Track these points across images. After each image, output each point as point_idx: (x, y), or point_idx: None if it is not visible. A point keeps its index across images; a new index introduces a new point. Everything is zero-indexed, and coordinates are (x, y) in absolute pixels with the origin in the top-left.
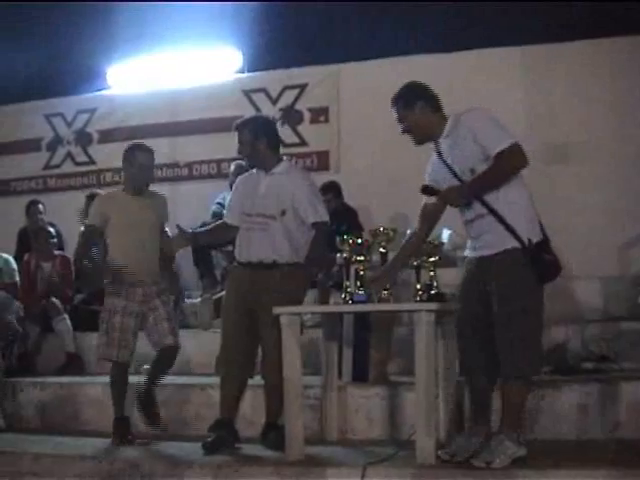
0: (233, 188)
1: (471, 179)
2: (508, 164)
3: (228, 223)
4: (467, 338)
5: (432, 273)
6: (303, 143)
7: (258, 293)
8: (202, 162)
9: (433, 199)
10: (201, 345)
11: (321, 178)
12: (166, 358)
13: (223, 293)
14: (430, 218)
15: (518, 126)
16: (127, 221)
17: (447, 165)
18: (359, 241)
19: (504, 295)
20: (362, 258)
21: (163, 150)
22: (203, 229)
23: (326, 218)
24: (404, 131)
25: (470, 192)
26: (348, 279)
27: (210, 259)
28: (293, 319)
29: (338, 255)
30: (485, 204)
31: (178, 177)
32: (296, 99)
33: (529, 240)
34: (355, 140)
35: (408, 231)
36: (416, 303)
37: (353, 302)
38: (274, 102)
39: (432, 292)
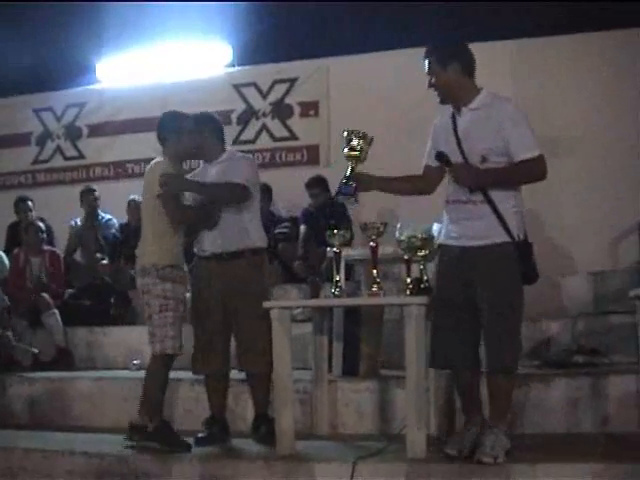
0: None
1: (489, 169)
2: (529, 174)
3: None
4: (448, 330)
5: (422, 267)
6: (293, 137)
7: (230, 285)
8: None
9: (436, 166)
10: (191, 339)
11: (311, 172)
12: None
13: None
14: (428, 182)
15: None
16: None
17: (457, 136)
18: (348, 235)
19: (494, 289)
20: (356, 153)
21: (153, 145)
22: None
23: (242, 181)
24: (430, 86)
25: (483, 181)
26: (338, 273)
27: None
28: (283, 313)
29: (327, 249)
30: (484, 192)
31: None
32: (286, 93)
33: (518, 236)
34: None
35: (398, 225)
36: (406, 297)
37: (338, 194)
38: (264, 96)
39: (422, 286)
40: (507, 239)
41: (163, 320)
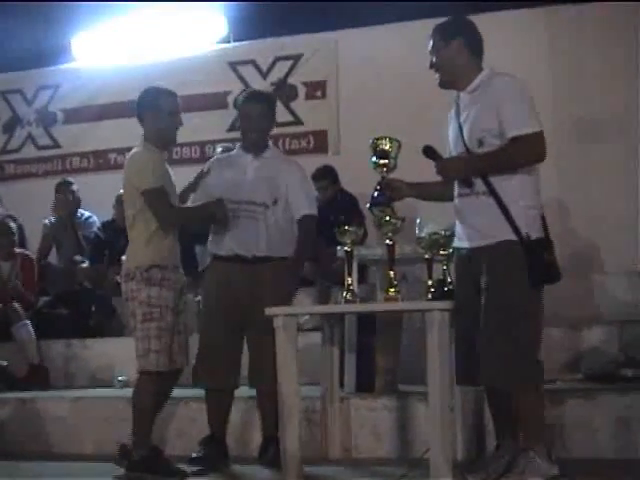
0: (206, 170)
1: (475, 155)
2: (521, 154)
3: None
4: (467, 341)
5: (445, 268)
6: (298, 122)
7: (251, 290)
8: (183, 145)
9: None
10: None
11: (318, 161)
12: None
13: None
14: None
15: (541, 99)
16: (171, 188)
17: (459, 124)
18: (360, 232)
19: (494, 294)
20: (386, 161)
21: (137, 132)
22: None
23: (315, 212)
24: (431, 66)
25: (469, 170)
26: (350, 275)
27: (193, 254)
28: (289, 321)
29: (338, 248)
30: (486, 181)
31: None
32: (289, 72)
33: (527, 235)
34: (356, 118)
35: (417, 220)
36: (428, 301)
37: (372, 205)
38: (264, 76)
39: (445, 289)
40: (513, 237)
41: (146, 332)
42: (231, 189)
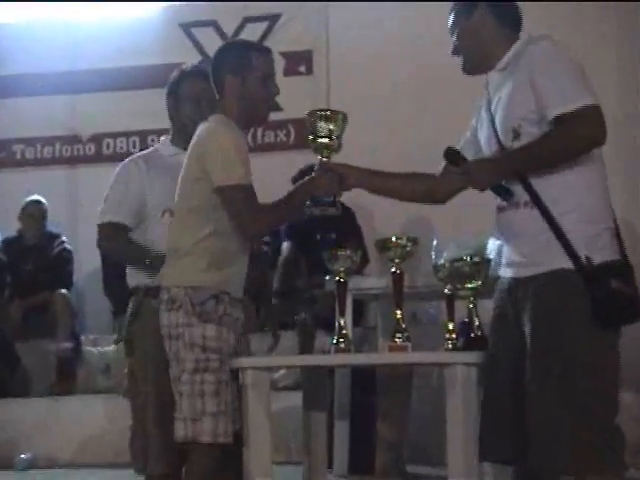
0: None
1: (508, 151)
2: (570, 136)
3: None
4: (500, 407)
5: (472, 306)
6: (274, 107)
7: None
8: (117, 135)
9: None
10: (115, 420)
11: (301, 160)
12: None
13: None
14: (445, 184)
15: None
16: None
17: (491, 115)
18: (357, 257)
19: (542, 340)
20: (326, 140)
21: (58, 116)
22: None
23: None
24: (455, 52)
25: (502, 172)
26: (342, 314)
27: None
28: (259, 377)
29: (327, 278)
30: (526, 186)
31: (80, 157)
32: (262, 38)
33: (587, 259)
34: (352, 103)
35: (434, 242)
36: (448, 352)
37: (310, 205)
38: None
39: (472, 335)
40: (568, 265)
41: (199, 386)
42: (167, 202)
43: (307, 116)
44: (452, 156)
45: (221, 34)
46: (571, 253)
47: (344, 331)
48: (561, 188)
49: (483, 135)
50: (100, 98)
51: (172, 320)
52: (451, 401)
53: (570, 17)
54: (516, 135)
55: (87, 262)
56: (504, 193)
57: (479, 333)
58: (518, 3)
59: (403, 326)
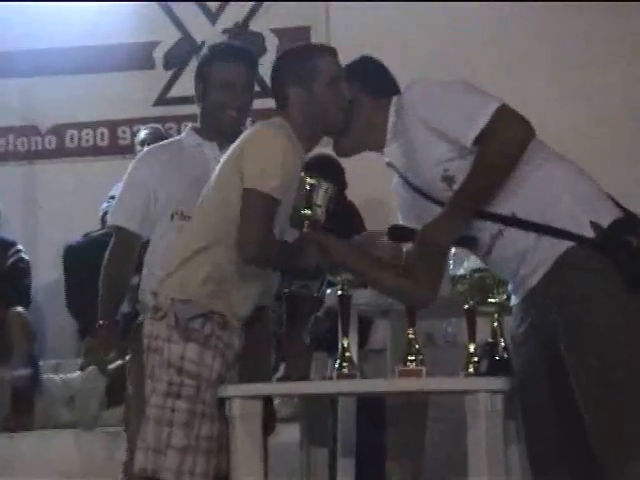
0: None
1: (450, 199)
2: (501, 142)
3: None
4: (538, 434)
5: (496, 324)
6: (266, 92)
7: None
8: (82, 125)
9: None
10: (80, 459)
11: None
12: None
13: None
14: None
15: None
16: (288, 204)
17: (413, 186)
18: None
19: (577, 337)
20: (308, 212)
21: (12, 103)
22: None
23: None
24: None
25: (459, 219)
26: (346, 334)
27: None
28: (248, 406)
29: (328, 292)
30: (490, 216)
31: (39, 152)
32: (252, 13)
33: (593, 224)
34: None
35: (452, 251)
36: (469, 378)
37: (293, 277)
38: (213, 18)
39: (497, 358)
40: (568, 244)
41: (168, 413)
42: (192, 201)
43: (305, 178)
44: (396, 234)
45: (204, 9)
46: (574, 229)
47: (348, 353)
48: (524, 194)
49: (420, 211)
50: (62, 82)
51: (153, 331)
52: (473, 435)
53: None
54: (450, 180)
55: (47, 274)
56: (469, 242)
57: (505, 356)
58: None
59: (416, 347)
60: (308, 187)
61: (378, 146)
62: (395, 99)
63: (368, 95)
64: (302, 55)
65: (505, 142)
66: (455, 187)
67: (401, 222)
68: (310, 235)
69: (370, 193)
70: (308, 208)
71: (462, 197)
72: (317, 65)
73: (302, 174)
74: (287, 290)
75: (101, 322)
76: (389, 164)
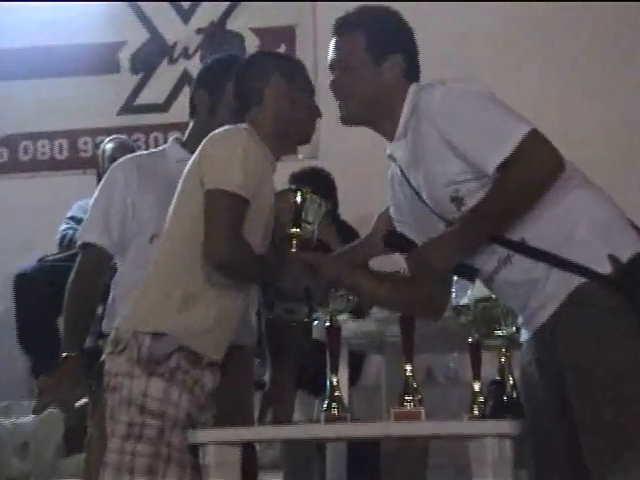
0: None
1: (460, 219)
2: (528, 171)
3: None
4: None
5: (503, 359)
6: None
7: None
8: (38, 136)
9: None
10: None
11: (282, 167)
12: None
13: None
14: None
15: None
16: (265, 214)
17: (414, 189)
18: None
19: (586, 381)
20: (297, 230)
21: None
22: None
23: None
24: (333, 90)
25: (464, 245)
26: (335, 370)
27: (56, 333)
28: (226, 454)
29: (315, 322)
30: (501, 239)
31: None
32: (230, 11)
33: (611, 258)
34: None
35: (454, 277)
36: (474, 421)
37: (276, 306)
38: (185, 17)
39: (504, 398)
40: (581, 280)
41: (128, 458)
42: (159, 224)
43: (276, 197)
44: (392, 243)
45: (176, 7)
46: (583, 268)
47: (337, 393)
48: (543, 224)
49: (410, 210)
50: (14, 87)
51: (112, 367)
52: None
53: None
54: (459, 202)
55: None
56: (469, 272)
57: (514, 395)
58: None
59: (414, 386)
60: (298, 201)
61: (386, 132)
62: (414, 89)
63: (404, 68)
64: (281, 57)
65: (532, 171)
66: (465, 208)
67: (392, 215)
68: (297, 255)
69: (361, 211)
70: (296, 226)
71: (473, 219)
72: (295, 71)
73: (292, 187)
74: (270, 315)
75: (65, 354)
76: (391, 157)
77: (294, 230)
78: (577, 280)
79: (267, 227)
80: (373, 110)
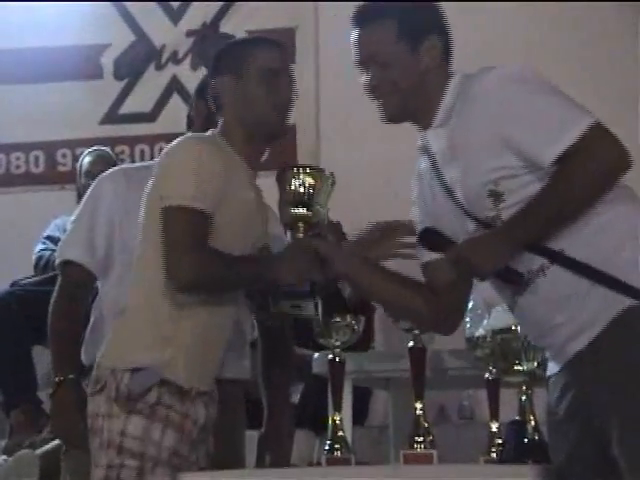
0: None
1: (513, 218)
2: (591, 165)
3: None
4: None
5: (524, 397)
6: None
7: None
8: (11, 148)
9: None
10: None
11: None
12: None
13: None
14: (448, 294)
15: None
16: (242, 223)
17: (445, 185)
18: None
19: (636, 420)
20: (303, 211)
21: None
22: None
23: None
24: (371, 88)
25: (511, 247)
26: (338, 408)
27: (30, 364)
28: None
29: (316, 356)
30: (546, 252)
31: None
32: (223, 12)
33: None
34: (346, 94)
35: (470, 303)
36: (492, 464)
37: (279, 298)
38: (175, 18)
39: (525, 440)
40: (630, 302)
41: None
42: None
43: (278, 175)
44: (430, 240)
45: (165, 7)
46: (635, 280)
47: (340, 432)
48: (580, 232)
49: (446, 219)
50: None
51: (93, 408)
52: None
53: None
54: (497, 198)
55: None
56: (514, 276)
57: (536, 437)
58: None
59: (425, 425)
60: (300, 181)
61: (421, 120)
62: (460, 78)
63: (441, 53)
64: (238, 44)
65: (596, 165)
66: (502, 206)
67: (413, 217)
68: (304, 242)
69: (362, 222)
70: (303, 206)
71: (528, 218)
72: (251, 53)
73: (293, 170)
74: (274, 310)
75: (58, 379)
76: (424, 148)
77: (299, 211)
78: (626, 301)
79: (247, 236)
80: (414, 101)
